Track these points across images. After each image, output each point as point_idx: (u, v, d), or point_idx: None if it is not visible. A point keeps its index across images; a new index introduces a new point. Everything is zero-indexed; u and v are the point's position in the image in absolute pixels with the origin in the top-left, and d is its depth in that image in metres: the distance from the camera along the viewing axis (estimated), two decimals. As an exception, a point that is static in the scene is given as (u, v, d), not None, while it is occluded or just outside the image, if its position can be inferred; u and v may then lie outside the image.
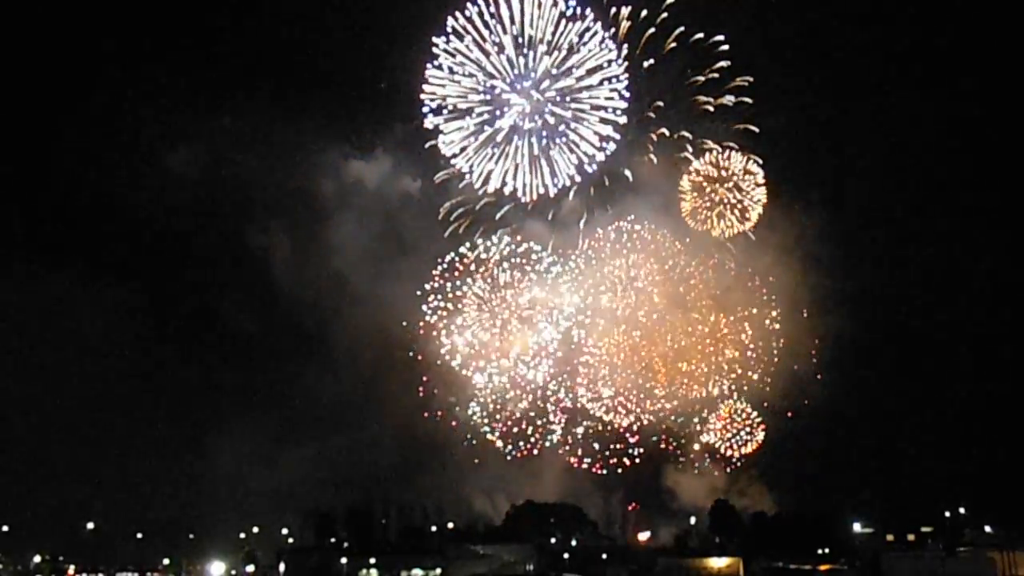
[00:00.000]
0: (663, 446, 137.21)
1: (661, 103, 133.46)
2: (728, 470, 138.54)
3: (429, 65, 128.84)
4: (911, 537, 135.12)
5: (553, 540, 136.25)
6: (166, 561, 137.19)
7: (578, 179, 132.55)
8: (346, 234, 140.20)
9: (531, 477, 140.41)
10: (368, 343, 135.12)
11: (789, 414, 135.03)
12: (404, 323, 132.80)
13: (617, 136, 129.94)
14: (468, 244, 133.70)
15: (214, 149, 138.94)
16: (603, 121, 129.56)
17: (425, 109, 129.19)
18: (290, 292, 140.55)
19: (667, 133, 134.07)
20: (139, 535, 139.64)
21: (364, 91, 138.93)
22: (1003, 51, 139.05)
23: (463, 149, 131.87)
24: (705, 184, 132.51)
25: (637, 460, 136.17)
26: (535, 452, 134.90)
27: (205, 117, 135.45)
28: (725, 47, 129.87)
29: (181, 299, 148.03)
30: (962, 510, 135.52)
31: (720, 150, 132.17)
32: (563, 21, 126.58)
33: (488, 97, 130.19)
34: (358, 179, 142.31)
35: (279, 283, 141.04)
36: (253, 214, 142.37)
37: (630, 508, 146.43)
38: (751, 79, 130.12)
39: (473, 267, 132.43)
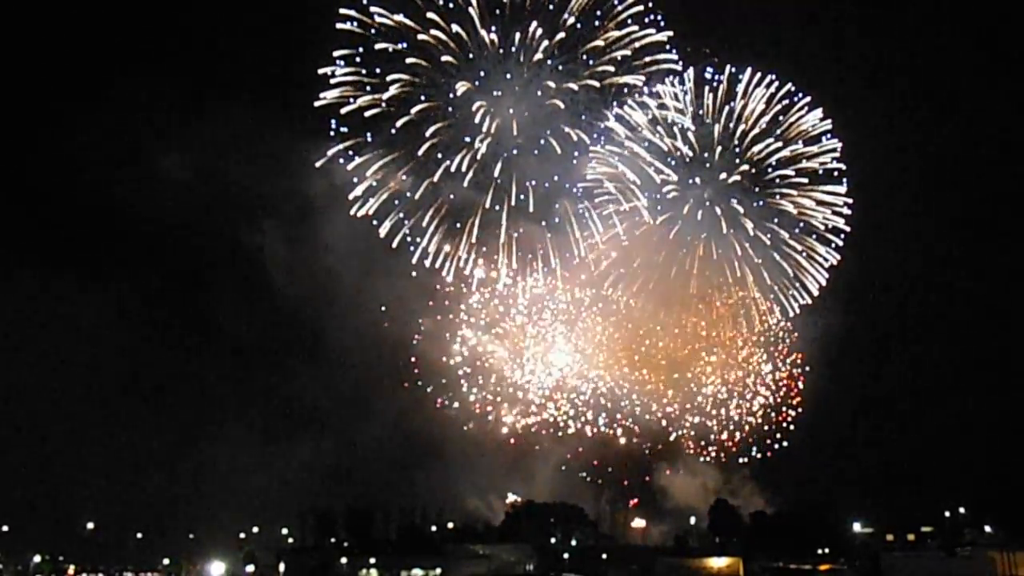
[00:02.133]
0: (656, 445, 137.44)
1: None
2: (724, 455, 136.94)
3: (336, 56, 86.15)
4: (911, 537, 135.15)
5: (553, 540, 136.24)
6: (166, 561, 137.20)
7: (611, 254, 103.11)
8: (339, 233, 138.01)
9: (526, 477, 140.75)
10: (363, 342, 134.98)
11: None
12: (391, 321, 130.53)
13: (675, 179, 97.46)
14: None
15: (207, 151, 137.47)
16: (654, 149, 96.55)
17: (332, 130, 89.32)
18: (286, 292, 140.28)
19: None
20: (139, 535, 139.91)
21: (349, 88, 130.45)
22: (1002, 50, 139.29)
23: (397, 201, 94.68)
24: None
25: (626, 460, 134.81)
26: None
27: (197, 120, 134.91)
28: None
29: (180, 301, 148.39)
30: (962, 510, 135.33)
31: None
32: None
33: (441, 100, 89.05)
34: (348, 178, 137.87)
35: (275, 283, 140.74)
36: (247, 215, 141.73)
37: (632, 504, 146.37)
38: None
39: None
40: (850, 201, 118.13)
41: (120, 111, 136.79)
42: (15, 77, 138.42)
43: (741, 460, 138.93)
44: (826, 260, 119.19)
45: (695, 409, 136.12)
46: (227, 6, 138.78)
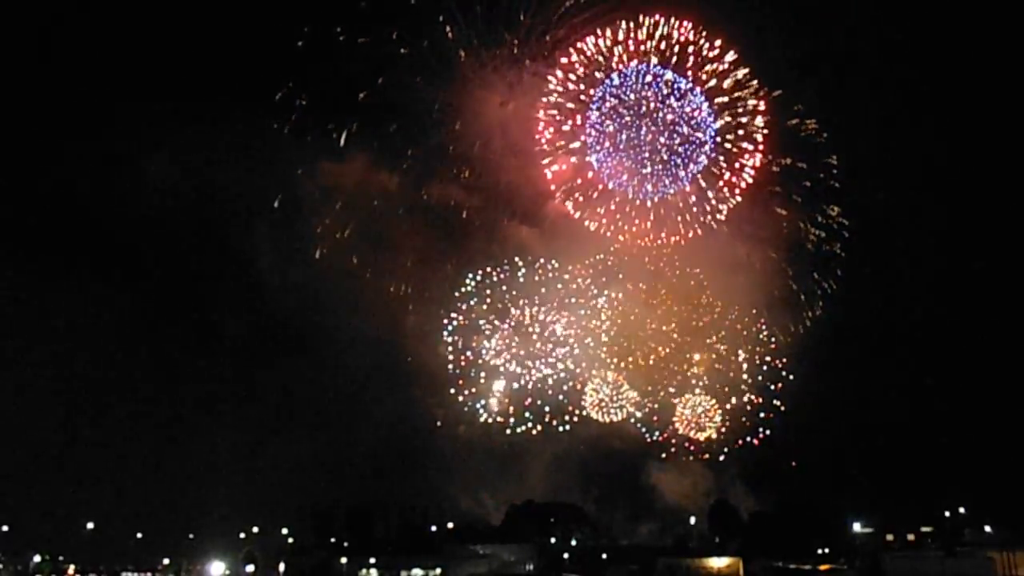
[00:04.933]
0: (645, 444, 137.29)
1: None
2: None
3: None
4: (911, 537, 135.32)
5: (553, 540, 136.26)
6: (166, 561, 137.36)
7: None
8: (329, 232, 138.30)
9: (517, 476, 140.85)
10: (356, 341, 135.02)
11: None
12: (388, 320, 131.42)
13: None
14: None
15: (197, 152, 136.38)
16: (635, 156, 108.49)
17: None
18: (280, 292, 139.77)
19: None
20: (139, 535, 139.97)
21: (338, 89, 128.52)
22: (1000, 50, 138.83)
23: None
24: None
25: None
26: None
27: (186, 121, 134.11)
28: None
29: (175, 302, 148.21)
30: (962, 510, 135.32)
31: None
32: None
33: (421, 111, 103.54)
34: (337, 177, 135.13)
35: (269, 284, 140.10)
36: (238, 215, 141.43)
37: None
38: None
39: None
40: (846, 223, 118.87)
41: (110, 115, 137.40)
42: (7, 83, 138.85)
43: (724, 459, 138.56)
44: (821, 289, 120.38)
45: (682, 407, 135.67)
46: (213, 10, 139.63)
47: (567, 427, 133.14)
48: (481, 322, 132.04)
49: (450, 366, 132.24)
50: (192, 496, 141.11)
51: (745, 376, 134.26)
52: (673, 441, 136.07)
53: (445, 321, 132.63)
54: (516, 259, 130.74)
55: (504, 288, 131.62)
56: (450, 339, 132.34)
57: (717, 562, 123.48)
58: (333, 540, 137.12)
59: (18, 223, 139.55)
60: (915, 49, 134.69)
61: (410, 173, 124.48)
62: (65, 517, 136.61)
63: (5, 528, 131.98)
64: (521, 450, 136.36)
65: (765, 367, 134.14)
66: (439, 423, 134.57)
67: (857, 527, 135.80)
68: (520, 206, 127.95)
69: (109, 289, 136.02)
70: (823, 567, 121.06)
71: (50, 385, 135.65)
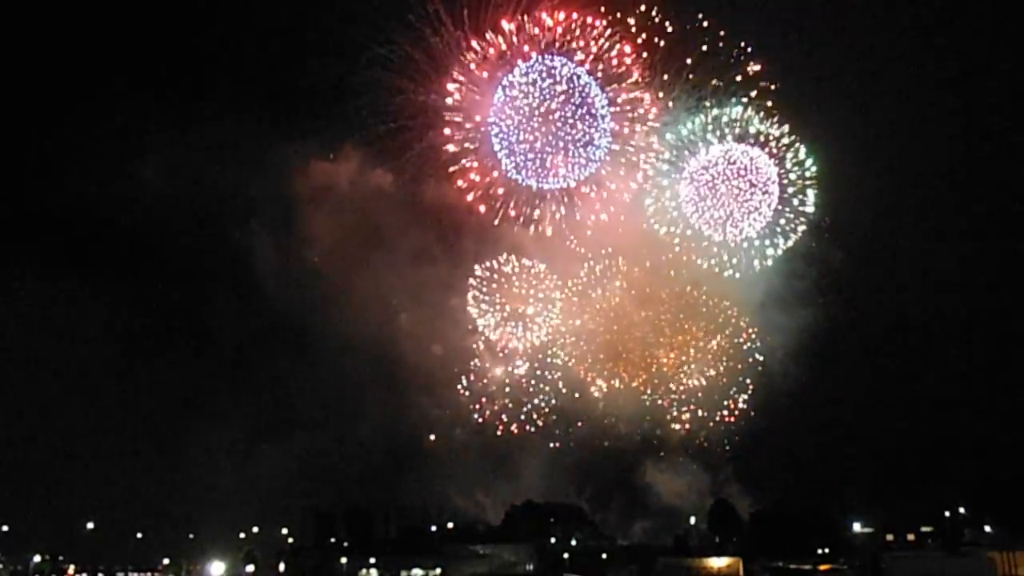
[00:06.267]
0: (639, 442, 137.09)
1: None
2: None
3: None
4: (911, 537, 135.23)
5: (553, 540, 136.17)
6: (166, 561, 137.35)
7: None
8: (323, 231, 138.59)
9: (512, 475, 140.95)
10: (352, 341, 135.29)
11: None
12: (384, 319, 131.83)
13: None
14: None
15: (192, 154, 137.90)
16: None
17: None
18: (276, 293, 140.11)
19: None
20: (139, 535, 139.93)
21: (328, 90, 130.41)
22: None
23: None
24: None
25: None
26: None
27: (182, 123, 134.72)
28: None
29: (173, 303, 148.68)
30: (962, 510, 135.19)
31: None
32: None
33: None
34: (331, 177, 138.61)
35: (265, 285, 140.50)
36: (234, 216, 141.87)
37: None
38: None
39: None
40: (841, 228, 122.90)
41: (107, 116, 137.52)
42: (5, 83, 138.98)
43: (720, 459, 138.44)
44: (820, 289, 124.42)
45: (676, 405, 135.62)
46: (208, 11, 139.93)
47: (570, 430, 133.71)
48: (477, 322, 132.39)
49: (445, 367, 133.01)
50: (192, 496, 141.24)
51: (742, 377, 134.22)
52: (670, 442, 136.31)
53: (440, 322, 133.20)
54: (512, 258, 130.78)
55: (499, 288, 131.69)
56: (445, 340, 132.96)
57: (717, 562, 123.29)
58: (333, 540, 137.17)
59: (12, 224, 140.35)
60: (912, 49, 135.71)
61: (403, 174, 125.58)
62: (65, 517, 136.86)
63: (5, 528, 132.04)
64: (516, 449, 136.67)
65: (763, 368, 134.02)
66: (436, 423, 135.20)
67: (857, 527, 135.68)
68: (514, 206, 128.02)
69: (107, 290, 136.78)
70: (823, 567, 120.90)
71: (49, 385, 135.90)
